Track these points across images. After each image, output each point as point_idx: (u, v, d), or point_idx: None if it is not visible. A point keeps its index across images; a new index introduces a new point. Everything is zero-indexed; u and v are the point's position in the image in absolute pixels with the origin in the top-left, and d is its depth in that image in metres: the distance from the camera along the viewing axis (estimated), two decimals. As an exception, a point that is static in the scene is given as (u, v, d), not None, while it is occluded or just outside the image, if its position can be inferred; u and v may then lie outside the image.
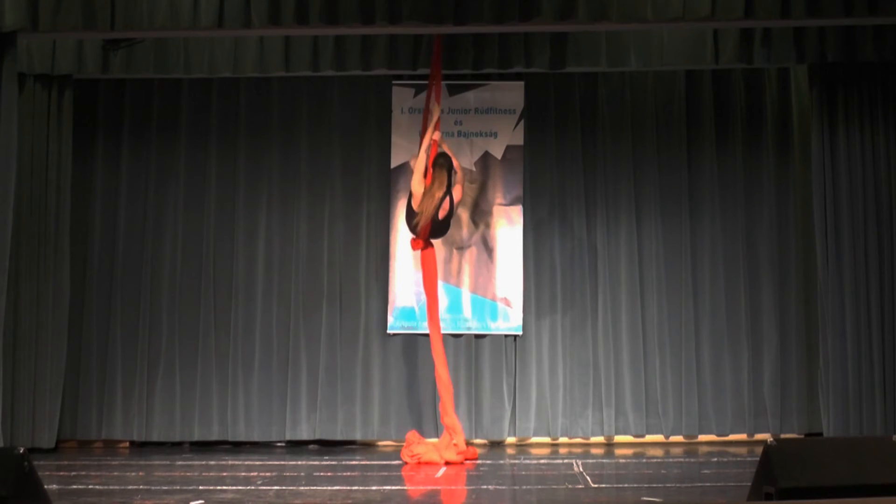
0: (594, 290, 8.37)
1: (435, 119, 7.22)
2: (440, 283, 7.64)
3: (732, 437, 8.22)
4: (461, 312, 8.21)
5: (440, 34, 7.27)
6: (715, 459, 7.14)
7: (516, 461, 7.16)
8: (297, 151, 8.56)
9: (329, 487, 5.72)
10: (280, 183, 8.54)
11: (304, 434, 8.22)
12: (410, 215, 7.09)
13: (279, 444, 8.26)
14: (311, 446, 8.20)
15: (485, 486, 5.79)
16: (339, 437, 8.23)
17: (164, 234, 8.44)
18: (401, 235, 8.31)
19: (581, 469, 6.52)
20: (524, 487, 5.78)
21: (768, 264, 8.35)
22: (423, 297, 8.09)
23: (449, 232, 7.45)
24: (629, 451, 7.73)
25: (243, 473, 6.41)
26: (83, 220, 8.35)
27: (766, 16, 6.69)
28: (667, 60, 7.73)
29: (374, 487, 5.72)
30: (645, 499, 5.11)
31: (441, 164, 7.12)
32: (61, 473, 6.38)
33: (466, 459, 7.00)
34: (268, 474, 6.32)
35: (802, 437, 8.03)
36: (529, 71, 7.91)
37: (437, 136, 7.20)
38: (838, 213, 7.66)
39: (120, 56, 7.66)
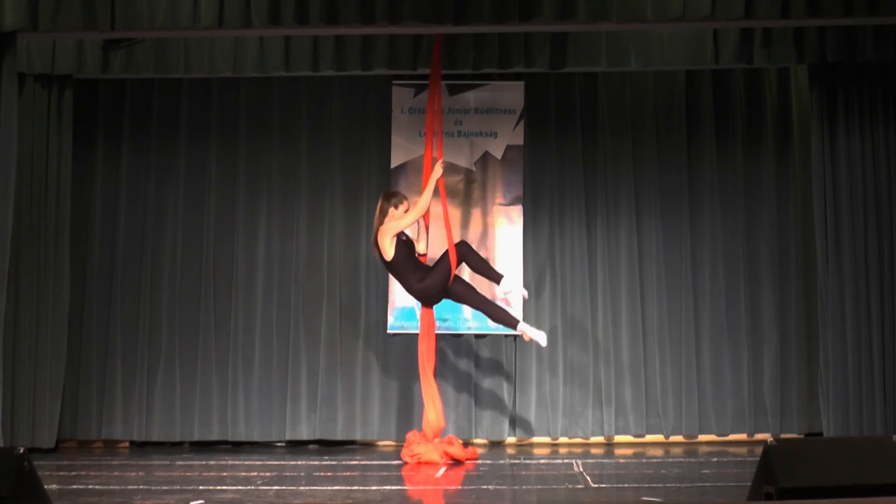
0: (594, 291, 8.37)
1: (436, 176, 7.12)
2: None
3: (732, 437, 8.22)
4: (461, 312, 8.20)
5: (440, 35, 7.27)
6: (715, 459, 7.14)
7: (516, 461, 7.16)
8: (297, 151, 8.56)
9: (329, 487, 5.72)
10: (280, 183, 8.54)
11: (304, 434, 8.22)
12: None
13: (279, 444, 8.26)
14: (311, 446, 8.20)
15: (485, 486, 5.79)
16: (339, 437, 8.23)
17: (164, 234, 8.44)
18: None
19: (581, 469, 6.52)
20: (524, 487, 5.78)
21: (768, 264, 8.35)
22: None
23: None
24: (629, 451, 7.73)
25: (243, 473, 6.41)
26: (83, 220, 8.35)
27: (766, 16, 6.68)
28: (667, 60, 7.73)
29: (374, 487, 5.72)
30: (645, 499, 5.11)
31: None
32: (61, 473, 6.38)
33: (467, 459, 7.00)
34: (268, 474, 6.32)
35: (802, 437, 8.03)
36: (529, 71, 7.91)
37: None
38: (838, 213, 7.66)
39: (120, 56, 7.66)
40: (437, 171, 7.13)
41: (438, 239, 7.28)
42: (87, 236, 8.39)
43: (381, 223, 7.00)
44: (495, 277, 7.14)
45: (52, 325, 7.81)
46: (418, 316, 8.12)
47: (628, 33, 7.57)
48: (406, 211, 7.06)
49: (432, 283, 7.01)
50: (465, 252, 7.11)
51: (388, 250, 6.95)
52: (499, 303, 7.39)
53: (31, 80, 7.82)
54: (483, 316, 8.12)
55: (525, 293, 7.37)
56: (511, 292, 7.21)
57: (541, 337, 7.05)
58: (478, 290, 7.21)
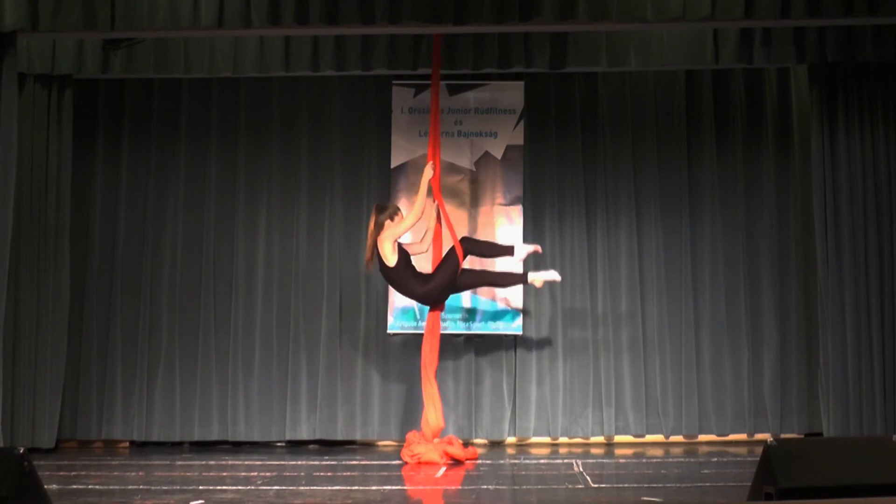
0: (594, 291, 8.37)
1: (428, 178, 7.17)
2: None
3: (732, 437, 8.22)
4: (461, 313, 8.20)
5: (439, 36, 7.27)
6: (715, 459, 7.14)
7: (516, 461, 7.16)
8: (297, 151, 8.56)
9: (329, 487, 5.72)
10: (280, 183, 8.54)
11: (304, 434, 8.22)
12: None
13: (279, 444, 8.26)
14: (311, 446, 8.20)
15: (485, 486, 5.79)
16: (339, 437, 8.23)
17: (164, 234, 8.44)
18: (401, 235, 8.33)
19: (581, 469, 6.52)
20: (524, 487, 5.78)
21: (768, 264, 8.35)
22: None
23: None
24: (629, 451, 7.73)
25: (243, 473, 6.41)
26: (83, 220, 8.35)
27: (766, 16, 6.69)
28: (667, 60, 7.73)
29: (374, 487, 5.72)
30: (645, 499, 5.11)
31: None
32: (61, 473, 6.38)
33: (467, 459, 7.00)
34: (268, 474, 6.32)
35: (802, 437, 8.03)
36: (529, 71, 7.91)
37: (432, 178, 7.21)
38: (838, 213, 7.66)
39: (120, 56, 7.66)
40: (428, 172, 7.16)
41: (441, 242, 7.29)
42: (87, 236, 8.39)
43: (377, 235, 7.00)
44: (508, 251, 7.36)
45: (52, 325, 7.81)
46: (417, 316, 8.14)
47: (628, 33, 7.57)
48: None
49: (439, 283, 7.04)
50: (470, 246, 7.18)
51: (391, 257, 6.96)
52: (501, 269, 7.55)
53: (31, 80, 7.82)
54: (483, 316, 8.15)
55: (538, 248, 7.47)
56: (525, 256, 7.40)
57: (552, 274, 7.36)
58: (479, 268, 7.35)
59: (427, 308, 7.31)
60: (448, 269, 7.04)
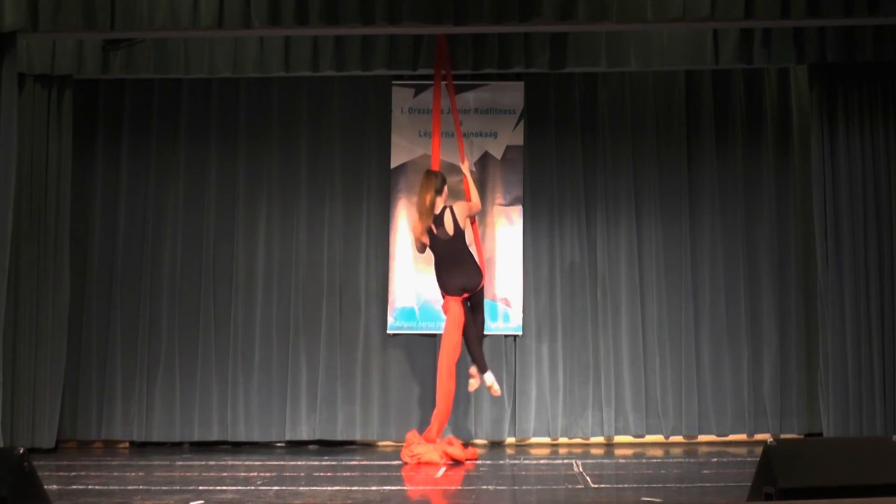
0: (594, 290, 8.37)
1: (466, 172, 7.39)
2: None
3: (732, 437, 8.22)
4: (461, 312, 8.19)
5: (444, 35, 7.28)
6: (715, 459, 7.14)
7: (516, 461, 7.16)
8: (297, 151, 8.56)
9: (329, 487, 5.72)
10: (280, 183, 8.54)
11: (304, 434, 8.22)
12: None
13: (279, 445, 8.26)
14: (311, 446, 8.20)
15: (485, 486, 5.79)
16: (339, 437, 8.23)
17: (164, 234, 8.44)
18: (400, 235, 8.32)
19: (581, 469, 6.52)
20: (524, 487, 5.78)
21: (768, 264, 8.35)
22: (423, 297, 8.14)
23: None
24: (629, 451, 7.73)
25: (243, 473, 6.41)
26: (83, 220, 8.35)
27: (766, 16, 6.69)
28: (667, 60, 7.73)
29: (374, 487, 5.72)
30: (645, 499, 5.11)
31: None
32: (61, 473, 6.38)
33: (467, 459, 7.00)
34: (268, 474, 6.32)
35: (802, 437, 8.03)
36: (529, 71, 7.91)
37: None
38: (838, 213, 7.66)
39: (120, 56, 7.66)
40: (467, 166, 7.41)
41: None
42: (88, 237, 8.39)
43: (433, 202, 7.04)
44: (481, 362, 7.22)
45: (52, 325, 7.81)
46: (417, 316, 8.13)
47: (628, 33, 7.57)
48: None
49: (473, 272, 7.11)
50: (476, 300, 7.18)
51: (468, 227, 7.18)
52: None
53: (31, 80, 7.82)
54: (484, 316, 8.14)
55: (498, 392, 7.37)
56: (478, 386, 7.29)
57: (496, 389, 7.23)
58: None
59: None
60: (477, 274, 7.11)
